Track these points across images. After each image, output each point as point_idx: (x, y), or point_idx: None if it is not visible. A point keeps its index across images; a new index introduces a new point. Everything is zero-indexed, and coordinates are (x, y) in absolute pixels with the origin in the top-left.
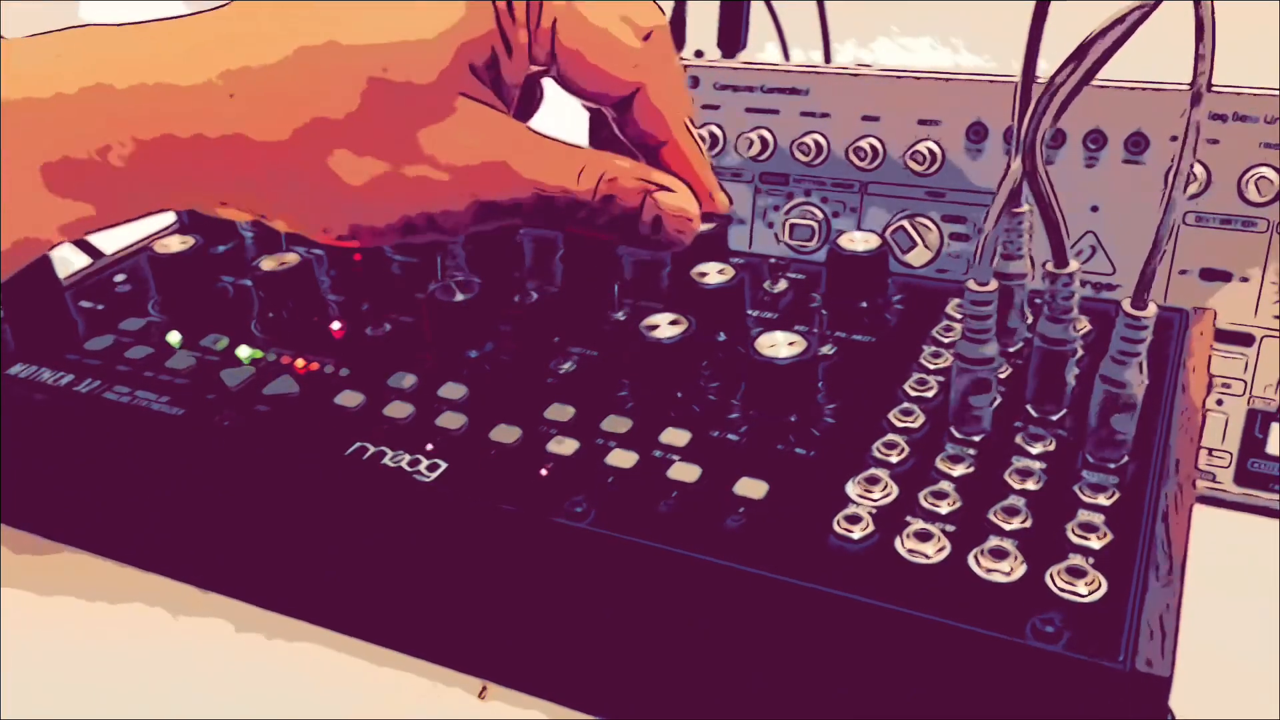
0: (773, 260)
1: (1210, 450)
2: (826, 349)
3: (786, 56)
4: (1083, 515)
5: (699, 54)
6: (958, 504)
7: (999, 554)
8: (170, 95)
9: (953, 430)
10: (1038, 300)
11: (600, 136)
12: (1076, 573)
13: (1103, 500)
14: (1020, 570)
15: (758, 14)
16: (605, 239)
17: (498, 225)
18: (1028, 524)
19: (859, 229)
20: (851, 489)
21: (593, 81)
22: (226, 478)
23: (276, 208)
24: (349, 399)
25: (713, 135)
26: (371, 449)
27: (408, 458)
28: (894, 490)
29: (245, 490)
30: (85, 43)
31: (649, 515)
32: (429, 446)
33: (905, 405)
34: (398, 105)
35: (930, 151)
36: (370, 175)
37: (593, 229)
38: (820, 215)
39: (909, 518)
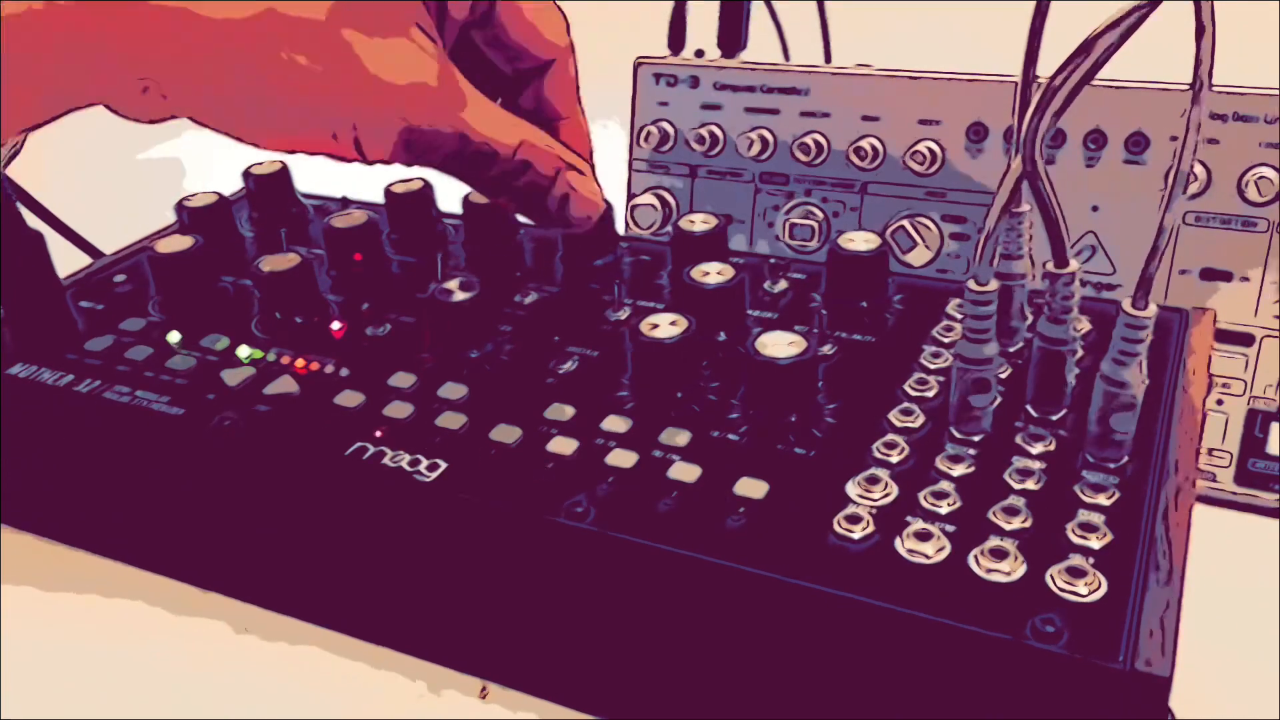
0: (773, 260)
1: (1210, 450)
2: (826, 349)
3: (786, 56)
4: (1083, 515)
5: (699, 54)
6: (958, 504)
7: (999, 554)
8: None
9: (953, 430)
10: (1038, 300)
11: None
12: (1076, 573)
13: (1103, 500)
14: (1020, 570)
15: (758, 14)
16: (511, 207)
17: (417, 161)
18: (1028, 524)
19: (859, 229)
20: (851, 489)
21: (524, 37)
22: (226, 478)
23: (202, 96)
24: (349, 399)
25: (713, 135)
26: (371, 449)
27: (408, 458)
28: (894, 490)
29: (245, 490)
30: None
31: (649, 515)
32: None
33: (905, 405)
34: (353, 17)
35: (930, 151)
36: (308, 77)
37: (503, 192)
38: (820, 215)
39: (909, 518)
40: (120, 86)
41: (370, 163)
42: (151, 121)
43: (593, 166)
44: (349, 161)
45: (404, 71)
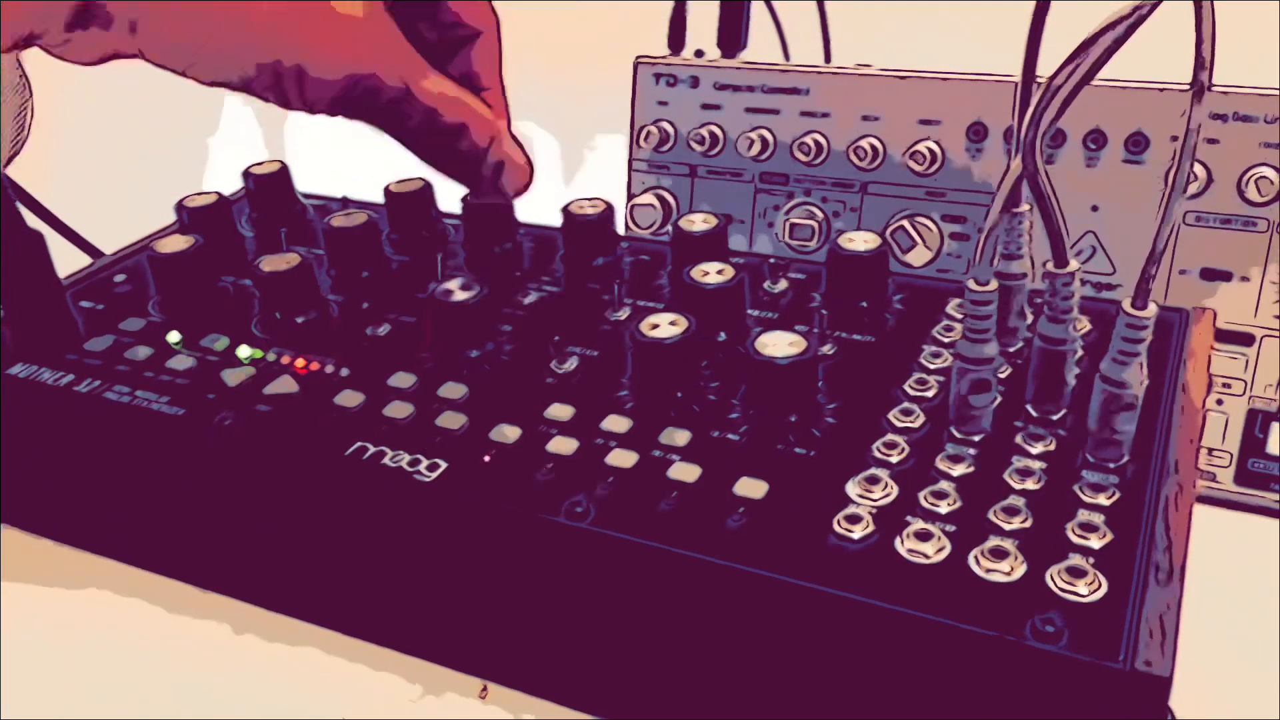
0: (773, 260)
1: (1210, 450)
2: (826, 349)
3: (786, 56)
4: (1083, 515)
5: (699, 54)
6: (958, 504)
7: (999, 554)
8: None
9: (953, 430)
10: (1038, 300)
11: None
12: (1076, 573)
13: (1103, 500)
14: (1020, 570)
15: (758, 14)
16: (446, 172)
17: (353, 113)
18: (1028, 524)
19: (859, 229)
20: (851, 489)
21: (458, 6)
22: (226, 478)
23: (150, 20)
24: (349, 399)
25: (713, 135)
26: (371, 449)
27: (408, 458)
28: (894, 490)
29: (245, 490)
30: None
31: (649, 515)
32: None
33: (905, 405)
34: None
35: (930, 151)
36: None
37: (440, 157)
38: (820, 215)
39: (909, 518)
40: (62, 13)
41: (309, 108)
42: (89, 63)
43: (517, 141)
44: (286, 107)
45: (359, 15)
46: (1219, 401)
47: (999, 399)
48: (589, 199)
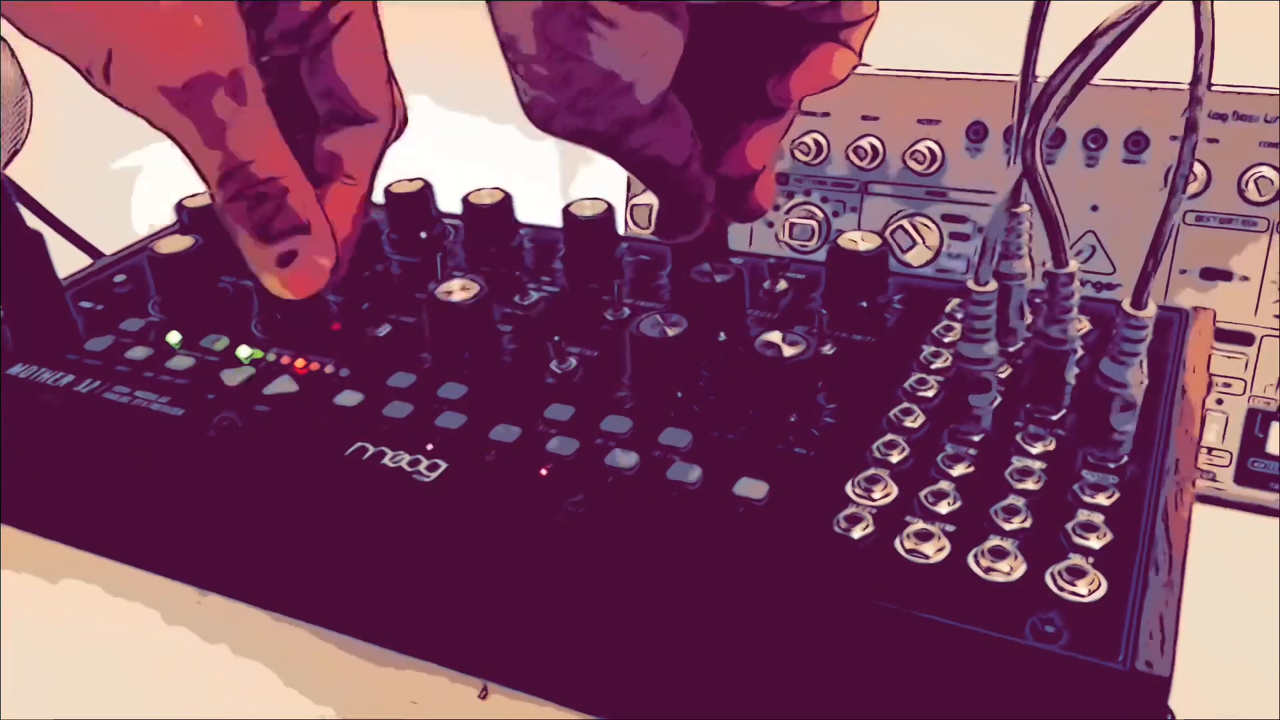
0: (773, 260)
1: (1210, 450)
2: (826, 349)
3: None
4: (1083, 515)
5: None
6: (958, 504)
7: (999, 554)
8: None
9: (953, 430)
10: (1038, 300)
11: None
12: (1076, 573)
13: (1103, 500)
14: (1020, 570)
15: None
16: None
17: (159, 124)
18: (1028, 524)
19: (859, 229)
20: (851, 489)
21: (347, 79)
22: (226, 478)
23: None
24: (349, 399)
25: None
26: (371, 449)
27: (408, 458)
28: (894, 490)
29: (245, 490)
30: None
31: (649, 515)
32: (429, 447)
33: (905, 405)
34: None
35: (930, 151)
36: None
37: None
38: (820, 215)
39: (909, 518)
40: None
41: (123, 105)
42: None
43: (350, 250)
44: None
45: (183, 14)
46: (1219, 401)
47: (999, 399)
48: (589, 199)
